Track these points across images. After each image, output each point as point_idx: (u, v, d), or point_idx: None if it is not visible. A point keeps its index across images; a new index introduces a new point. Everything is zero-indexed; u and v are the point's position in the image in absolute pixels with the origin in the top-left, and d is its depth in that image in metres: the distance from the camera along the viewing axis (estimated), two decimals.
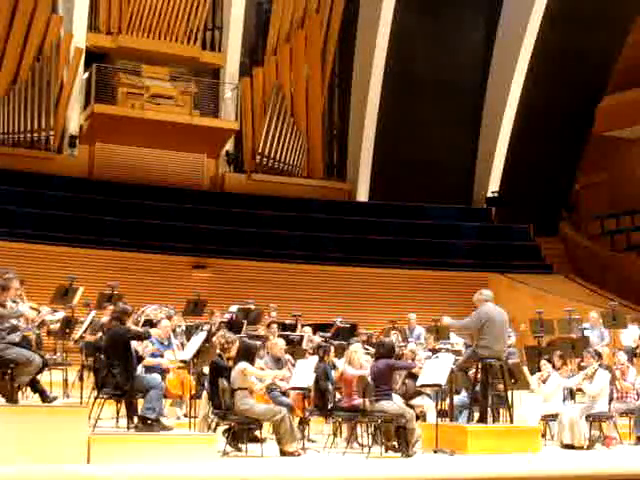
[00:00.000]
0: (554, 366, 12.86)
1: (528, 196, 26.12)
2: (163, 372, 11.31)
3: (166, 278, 20.92)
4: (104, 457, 8.56)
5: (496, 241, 24.94)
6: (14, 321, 8.94)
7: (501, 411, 11.67)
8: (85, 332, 13.52)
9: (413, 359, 12.67)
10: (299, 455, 9.96)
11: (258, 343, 11.86)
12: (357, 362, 11.16)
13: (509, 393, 11.49)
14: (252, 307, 16.26)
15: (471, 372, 11.43)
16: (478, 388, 11.19)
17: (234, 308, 16.23)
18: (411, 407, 11.25)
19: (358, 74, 26.31)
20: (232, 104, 25.16)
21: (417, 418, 11.03)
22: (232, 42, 25.03)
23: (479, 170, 27.08)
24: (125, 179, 23.30)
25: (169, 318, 13.22)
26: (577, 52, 25.74)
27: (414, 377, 11.84)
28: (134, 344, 10.17)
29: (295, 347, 13.80)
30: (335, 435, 11.52)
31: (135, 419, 9.65)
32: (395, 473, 9.04)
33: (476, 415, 11.38)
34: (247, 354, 10.28)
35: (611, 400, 12.27)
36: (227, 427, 10.17)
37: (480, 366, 11.09)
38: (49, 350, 13.89)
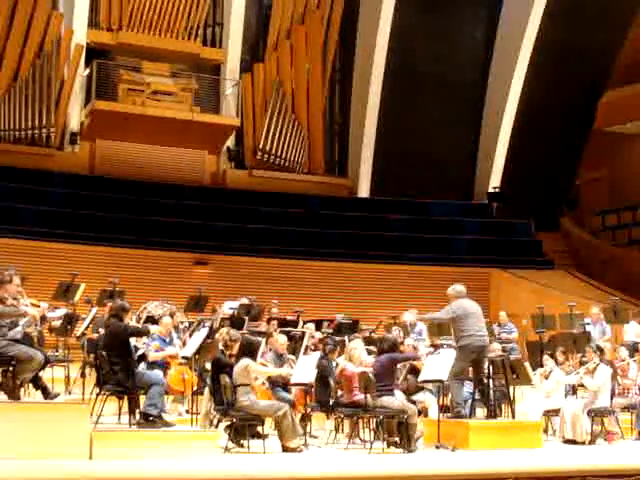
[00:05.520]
0: (556, 362, 12.86)
1: (529, 191, 26.09)
2: (165, 368, 11.32)
3: (167, 274, 20.90)
4: (106, 453, 8.57)
5: (497, 236, 24.88)
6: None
7: (502, 406, 11.68)
8: (87, 329, 13.55)
9: None
10: (301, 451, 9.97)
11: (261, 340, 11.86)
12: (357, 359, 11.08)
13: (511, 388, 11.50)
14: (249, 303, 16.22)
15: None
16: (477, 385, 11.20)
17: (235, 304, 16.21)
18: (413, 403, 11.25)
19: (359, 70, 26.26)
20: (233, 100, 25.13)
21: (419, 414, 11.03)
22: (233, 38, 25.00)
23: (480, 166, 27.04)
24: (126, 176, 23.25)
25: (172, 315, 13.22)
26: (578, 48, 25.69)
27: (416, 373, 11.84)
28: (133, 341, 10.16)
29: (297, 343, 13.78)
30: (337, 431, 11.53)
31: (137, 415, 9.65)
32: (397, 469, 9.04)
33: (478, 411, 11.39)
34: (249, 350, 10.27)
35: (613, 395, 12.27)
36: (229, 423, 10.18)
37: (473, 363, 11.10)
38: (51, 347, 13.90)
